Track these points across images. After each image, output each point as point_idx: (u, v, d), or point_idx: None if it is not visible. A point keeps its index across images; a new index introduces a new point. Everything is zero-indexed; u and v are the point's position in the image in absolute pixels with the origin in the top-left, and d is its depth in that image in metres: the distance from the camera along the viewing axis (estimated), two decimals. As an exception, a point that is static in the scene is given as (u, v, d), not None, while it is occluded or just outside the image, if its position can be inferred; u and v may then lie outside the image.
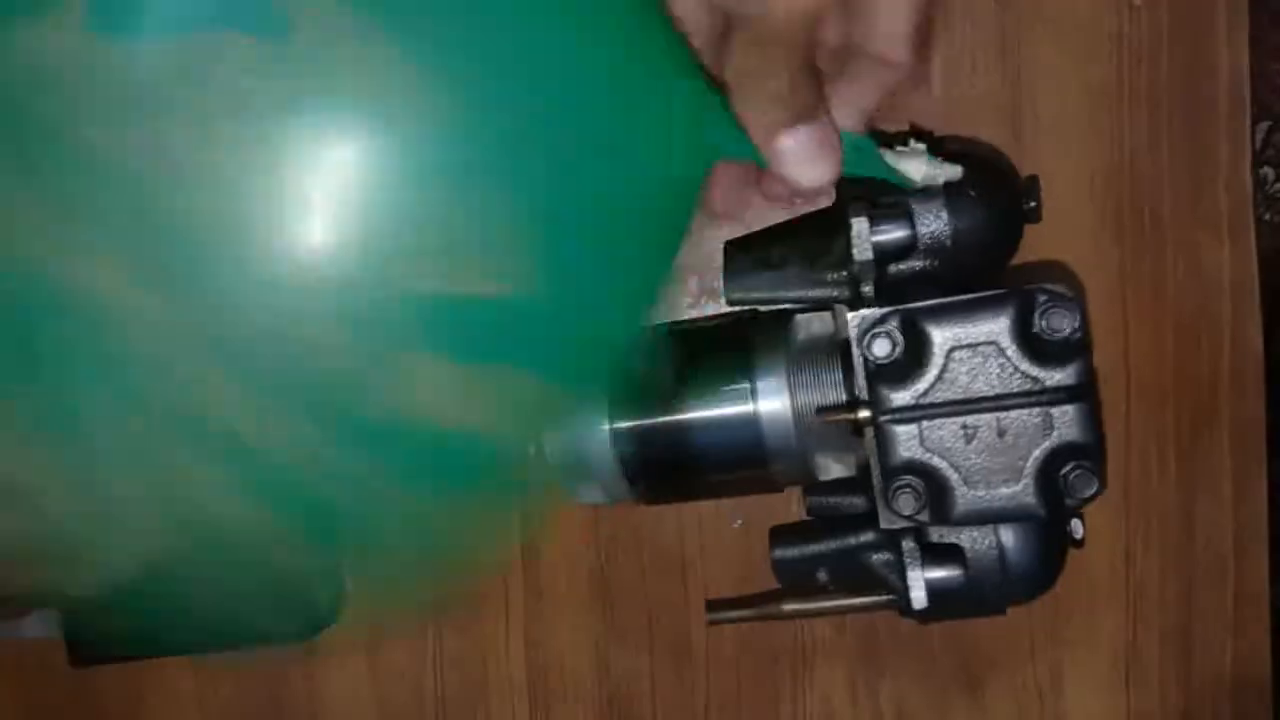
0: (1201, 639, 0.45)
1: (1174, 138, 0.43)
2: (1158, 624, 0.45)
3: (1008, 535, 0.38)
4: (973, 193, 0.37)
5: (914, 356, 0.36)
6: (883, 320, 0.36)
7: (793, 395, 0.39)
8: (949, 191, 0.37)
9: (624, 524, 0.47)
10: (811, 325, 0.41)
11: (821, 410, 0.38)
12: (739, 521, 0.47)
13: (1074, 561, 0.42)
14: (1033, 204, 0.38)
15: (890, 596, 0.40)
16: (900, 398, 0.36)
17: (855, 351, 0.37)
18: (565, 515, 0.47)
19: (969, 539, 0.38)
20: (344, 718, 0.50)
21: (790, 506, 0.44)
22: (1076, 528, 0.38)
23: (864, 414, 0.36)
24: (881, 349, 0.36)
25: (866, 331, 0.36)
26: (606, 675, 0.48)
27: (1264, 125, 1.25)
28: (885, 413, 0.36)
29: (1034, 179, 0.38)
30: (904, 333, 0.36)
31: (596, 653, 0.48)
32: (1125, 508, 0.45)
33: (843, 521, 0.41)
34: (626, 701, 0.48)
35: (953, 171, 0.36)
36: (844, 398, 0.38)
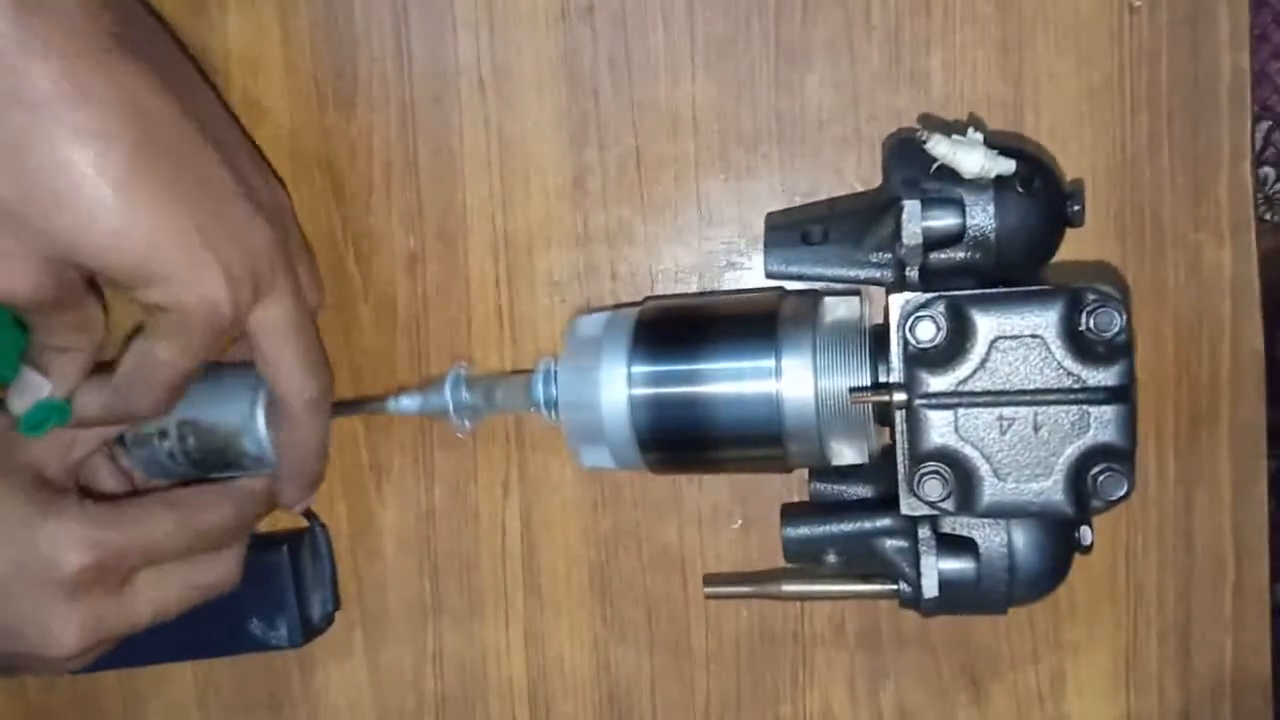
0: (1201, 639, 0.45)
1: (1174, 138, 0.43)
2: (1158, 624, 0.45)
3: (1019, 534, 0.38)
4: (1021, 190, 0.37)
5: (957, 343, 0.36)
6: (928, 304, 0.36)
7: (817, 376, 0.38)
8: (998, 186, 0.37)
9: (624, 523, 0.47)
10: (839, 309, 0.41)
11: (854, 390, 0.38)
12: (739, 521, 0.47)
13: (1074, 561, 0.42)
14: (1077, 208, 0.38)
15: (892, 586, 0.40)
16: (939, 383, 0.36)
17: (895, 334, 0.37)
18: (565, 515, 0.47)
19: (980, 535, 0.38)
20: (344, 718, 0.50)
21: (790, 506, 0.44)
22: (1085, 534, 0.38)
23: (899, 396, 0.36)
24: (925, 332, 0.36)
25: (911, 314, 0.36)
26: (606, 674, 0.48)
27: (1264, 125, 1.25)
28: (921, 397, 0.36)
29: (1079, 183, 0.38)
30: (949, 319, 0.36)
31: (596, 652, 0.48)
32: (1125, 507, 0.44)
33: (857, 505, 0.41)
34: (626, 701, 0.48)
35: (1006, 166, 0.36)
36: (868, 383, 0.38)
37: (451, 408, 0.43)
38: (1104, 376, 0.36)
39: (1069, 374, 0.36)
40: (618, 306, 0.45)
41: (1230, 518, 0.44)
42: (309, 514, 0.48)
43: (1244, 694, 0.45)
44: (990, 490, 0.36)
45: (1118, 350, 0.36)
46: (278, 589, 0.46)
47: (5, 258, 0.33)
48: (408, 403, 0.44)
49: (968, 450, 0.36)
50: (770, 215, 0.43)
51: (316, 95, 0.46)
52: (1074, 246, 0.43)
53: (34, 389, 0.37)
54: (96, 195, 0.33)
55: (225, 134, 0.38)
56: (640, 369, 0.40)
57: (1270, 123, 1.25)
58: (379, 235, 0.47)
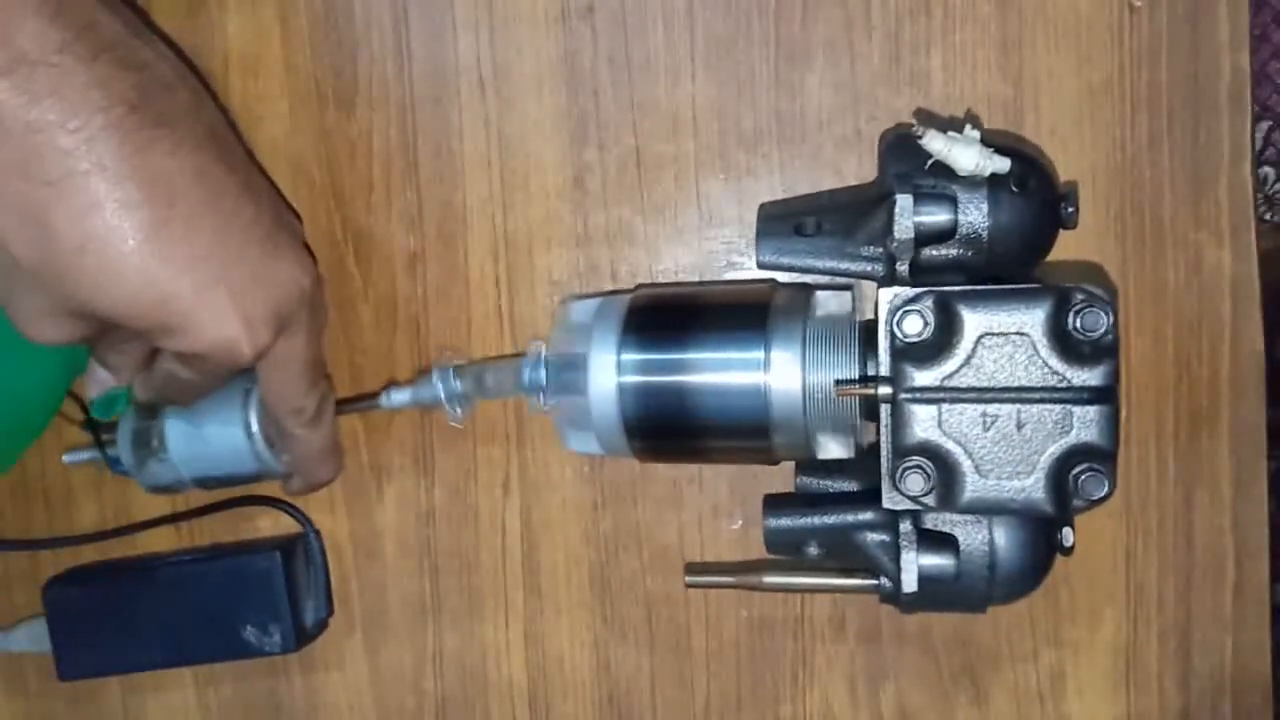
0: (1201, 639, 0.45)
1: (1174, 138, 0.43)
2: (1158, 624, 0.45)
3: (1000, 533, 0.38)
4: (1015, 189, 0.37)
5: (943, 338, 0.36)
6: (916, 299, 0.36)
7: (805, 370, 0.38)
8: (992, 184, 0.37)
9: (624, 523, 0.47)
10: (830, 304, 0.41)
11: (840, 384, 0.38)
12: (739, 522, 0.47)
13: (1074, 561, 0.42)
14: (1071, 209, 0.38)
15: (872, 581, 0.40)
16: (924, 378, 0.36)
17: (883, 328, 0.37)
18: (565, 515, 0.47)
19: (962, 533, 0.38)
20: (344, 718, 0.50)
21: (790, 506, 0.44)
22: (1067, 535, 0.38)
23: (884, 390, 0.36)
24: (913, 326, 0.36)
25: (899, 308, 0.36)
26: (606, 674, 0.48)
27: (1264, 125, 1.25)
28: (906, 391, 0.36)
29: (1074, 185, 0.38)
30: (936, 314, 0.36)
31: (596, 652, 0.48)
32: (1125, 508, 0.45)
33: (840, 498, 0.41)
34: (626, 701, 0.48)
35: (1001, 164, 0.36)
36: (856, 377, 0.38)
37: (443, 396, 0.43)
38: (1089, 377, 0.36)
39: (1054, 373, 0.36)
40: (610, 293, 0.45)
41: (1230, 518, 0.44)
42: (303, 519, 0.48)
43: (1244, 694, 0.45)
44: (971, 486, 0.36)
45: (1103, 351, 0.36)
46: (272, 595, 0.46)
47: (33, 314, 0.36)
48: (399, 396, 0.44)
49: (950, 446, 0.36)
50: (764, 205, 0.43)
51: (316, 95, 0.46)
52: (1075, 246, 0.43)
53: (102, 381, 0.43)
54: (113, 262, 0.33)
55: (251, 179, 0.38)
56: (630, 357, 0.40)
57: (1270, 123, 1.25)
58: (379, 235, 0.47)
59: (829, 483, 0.42)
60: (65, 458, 0.48)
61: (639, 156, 0.45)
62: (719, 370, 0.39)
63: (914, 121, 0.43)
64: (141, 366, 0.42)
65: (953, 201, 0.37)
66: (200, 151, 0.35)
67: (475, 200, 0.46)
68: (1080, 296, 0.35)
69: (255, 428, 0.43)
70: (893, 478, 0.37)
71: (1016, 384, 0.36)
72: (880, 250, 0.39)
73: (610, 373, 0.40)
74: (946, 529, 0.38)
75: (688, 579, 0.45)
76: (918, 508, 0.37)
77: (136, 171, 0.33)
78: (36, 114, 0.31)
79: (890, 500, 0.38)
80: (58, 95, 0.32)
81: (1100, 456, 0.36)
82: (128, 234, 0.33)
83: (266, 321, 0.37)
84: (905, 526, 0.38)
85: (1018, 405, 0.36)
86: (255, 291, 0.36)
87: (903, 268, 0.38)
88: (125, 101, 0.33)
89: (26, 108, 0.31)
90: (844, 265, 0.40)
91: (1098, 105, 0.43)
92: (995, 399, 0.36)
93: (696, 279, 0.46)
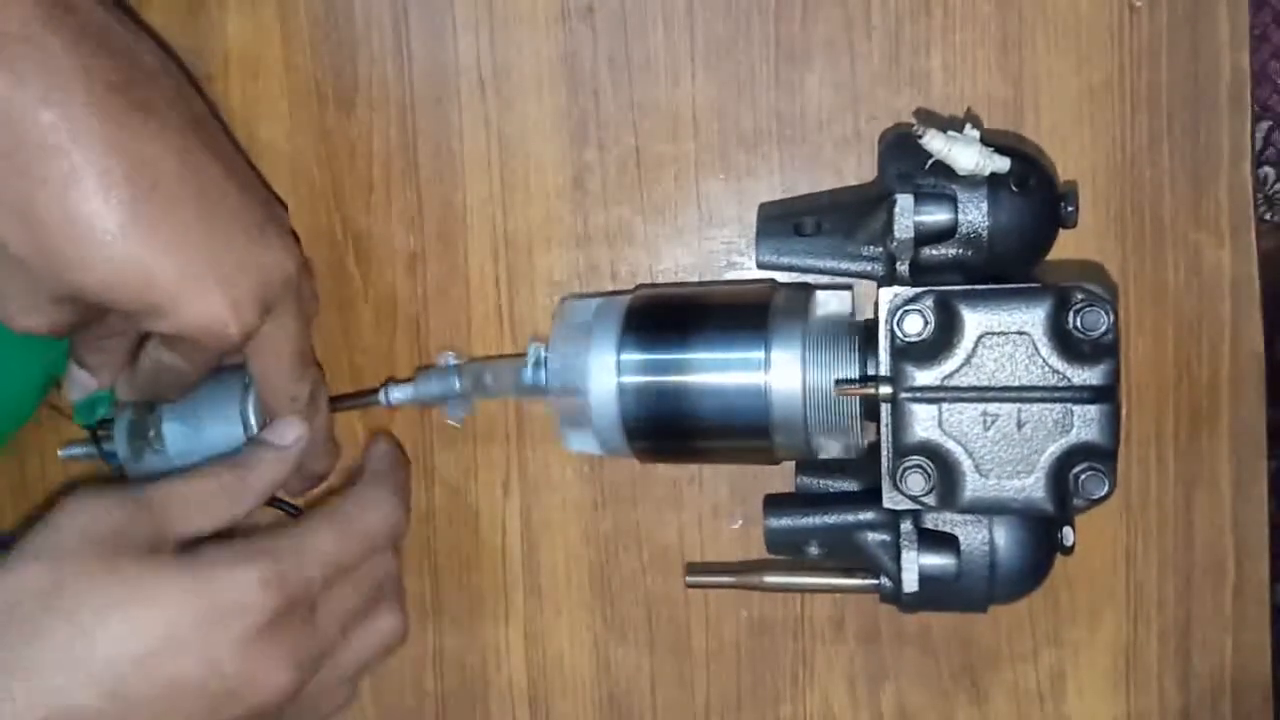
0: (1201, 639, 0.45)
1: (1174, 138, 0.43)
2: (1158, 624, 0.45)
3: (1001, 533, 0.38)
4: (1015, 189, 0.37)
5: (944, 337, 0.36)
6: (917, 298, 0.36)
7: (805, 370, 0.39)
8: (992, 184, 0.37)
9: (624, 523, 0.47)
10: (830, 304, 0.41)
11: (840, 383, 0.38)
12: (739, 522, 0.47)
13: (1074, 561, 0.42)
14: (1070, 209, 0.38)
15: (873, 581, 0.40)
16: (924, 377, 0.36)
17: (883, 328, 0.37)
18: (565, 515, 0.47)
19: (962, 532, 0.38)
20: (344, 718, 0.49)
21: (790, 506, 0.44)
22: (1067, 534, 0.38)
23: (884, 390, 0.36)
24: (913, 326, 0.36)
25: (899, 308, 0.36)
26: (606, 674, 0.48)
27: (1264, 125, 1.25)
28: (907, 390, 0.36)
29: (1073, 184, 0.38)
30: (936, 314, 0.36)
31: (596, 652, 0.48)
32: (1125, 508, 0.45)
33: (841, 498, 0.41)
34: (626, 701, 0.48)
35: (1000, 164, 0.36)
36: (857, 377, 0.38)
37: (443, 395, 0.43)
38: (1089, 376, 0.36)
39: (1054, 372, 0.36)
40: (610, 293, 0.45)
41: (1230, 518, 0.44)
42: (286, 506, 0.47)
43: (1244, 694, 0.45)
44: (972, 486, 0.36)
45: (1104, 350, 0.36)
46: None
47: (18, 301, 0.36)
48: (398, 394, 0.44)
49: (951, 445, 0.36)
50: (764, 205, 0.43)
51: (316, 95, 0.47)
52: (1075, 246, 0.43)
53: (84, 384, 0.42)
54: (97, 241, 0.33)
55: (235, 166, 0.38)
56: (629, 357, 0.40)
57: (1270, 123, 1.25)
58: (379, 235, 0.47)
59: (829, 483, 0.42)
60: (61, 452, 0.48)
61: (639, 156, 0.46)
62: (719, 370, 0.39)
63: (914, 121, 0.43)
64: (123, 367, 0.42)
65: (952, 201, 0.37)
66: (183, 136, 0.35)
67: (475, 200, 0.46)
68: (1080, 296, 0.35)
69: (253, 423, 0.43)
70: (893, 477, 0.37)
71: (1017, 383, 0.36)
72: (880, 250, 0.39)
73: (610, 373, 0.40)
74: (947, 529, 0.38)
75: (688, 579, 0.45)
76: (918, 507, 0.37)
77: (117, 150, 0.33)
78: (19, 92, 0.32)
79: (891, 500, 0.38)
80: (39, 73, 0.32)
81: (1100, 455, 0.36)
82: (111, 212, 0.33)
83: (252, 303, 0.37)
84: (906, 526, 0.38)
85: (1018, 404, 0.36)
86: (241, 273, 0.36)
87: (903, 267, 0.38)
88: (106, 81, 0.33)
89: (9, 85, 0.31)
90: (844, 265, 0.40)
91: (1098, 105, 0.43)
92: (996, 398, 0.36)
93: (696, 279, 0.46)
